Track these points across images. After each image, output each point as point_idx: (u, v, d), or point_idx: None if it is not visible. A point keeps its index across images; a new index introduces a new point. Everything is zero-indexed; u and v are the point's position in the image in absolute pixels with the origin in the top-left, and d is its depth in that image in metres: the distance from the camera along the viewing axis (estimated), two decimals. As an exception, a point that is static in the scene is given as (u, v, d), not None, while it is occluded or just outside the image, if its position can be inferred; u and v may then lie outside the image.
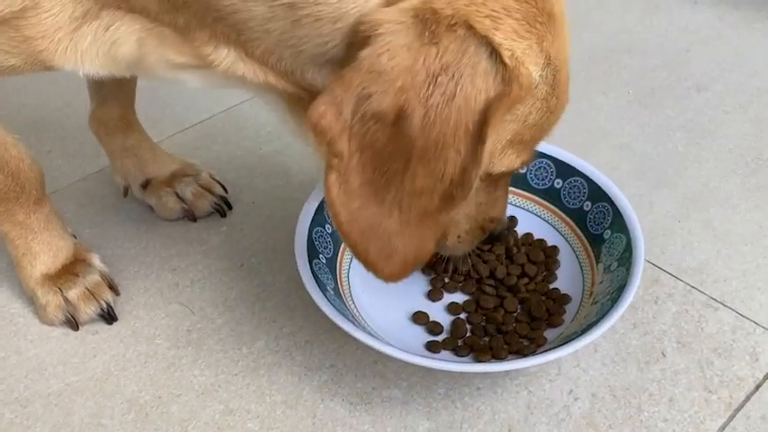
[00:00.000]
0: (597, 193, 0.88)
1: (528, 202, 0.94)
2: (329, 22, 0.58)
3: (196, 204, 1.00)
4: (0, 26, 0.63)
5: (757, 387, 0.78)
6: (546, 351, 0.73)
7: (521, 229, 0.92)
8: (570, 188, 0.91)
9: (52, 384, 0.81)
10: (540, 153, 0.93)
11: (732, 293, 0.88)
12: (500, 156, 0.65)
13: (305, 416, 0.77)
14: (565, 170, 0.92)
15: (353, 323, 0.75)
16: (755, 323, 0.84)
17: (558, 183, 0.92)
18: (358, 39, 0.57)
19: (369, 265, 0.65)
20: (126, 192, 1.03)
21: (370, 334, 0.76)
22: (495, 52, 0.56)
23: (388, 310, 0.84)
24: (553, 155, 0.92)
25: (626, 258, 0.79)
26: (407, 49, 0.55)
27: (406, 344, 0.80)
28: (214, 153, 1.13)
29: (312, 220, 0.86)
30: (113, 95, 0.94)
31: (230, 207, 1.02)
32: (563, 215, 0.91)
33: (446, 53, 0.55)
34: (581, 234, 0.89)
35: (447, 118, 0.56)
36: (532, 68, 0.60)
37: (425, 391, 0.79)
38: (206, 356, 0.84)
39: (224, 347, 0.85)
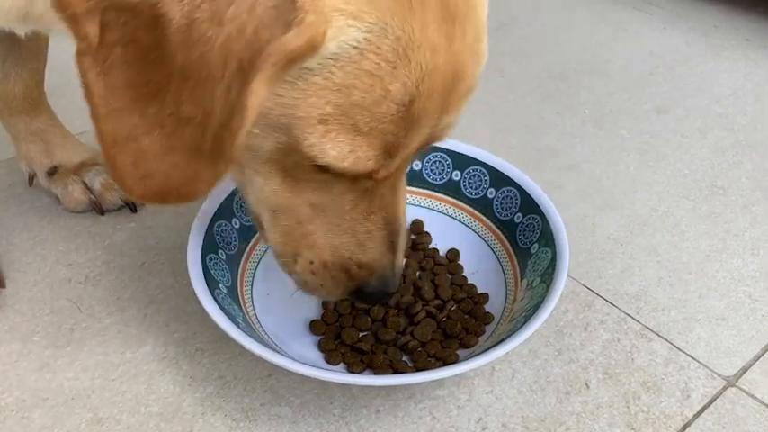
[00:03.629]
0: (529, 205, 0.81)
1: (459, 211, 0.87)
2: None
3: (104, 197, 0.93)
4: None
5: (685, 426, 0.70)
6: (439, 368, 0.65)
7: (448, 244, 0.85)
8: (503, 199, 0.84)
9: None
10: (475, 161, 0.86)
11: (669, 324, 0.81)
12: (321, 137, 0.52)
13: (180, 430, 0.69)
14: (499, 179, 0.85)
15: (239, 325, 0.68)
16: (691, 357, 0.77)
17: (492, 192, 0.85)
18: None
19: (116, 178, 0.55)
20: (31, 180, 0.95)
21: (263, 342, 0.68)
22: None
23: (286, 316, 0.76)
24: (488, 162, 0.86)
25: (549, 274, 0.72)
26: None
27: (303, 356, 0.72)
28: (138, 147, 1.06)
29: (217, 212, 0.79)
30: (17, 71, 0.87)
31: (142, 203, 0.95)
32: (493, 227, 0.84)
33: None
34: (510, 248, 0.82)
35: (211, 42, 0.47)
36: (342, 21, 0.48)
37: (318, 410, 0.71)
38: (84, 358, 0.76)
39: (106, 350, 0.77)
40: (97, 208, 0.93)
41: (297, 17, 0.46)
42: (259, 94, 0.48)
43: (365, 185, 0.59)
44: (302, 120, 0.52)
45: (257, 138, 0.54)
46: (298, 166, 0.56)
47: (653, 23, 1.41)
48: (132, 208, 0.94)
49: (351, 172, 0.55)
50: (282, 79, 0.50)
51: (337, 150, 0.53)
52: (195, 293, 0.70)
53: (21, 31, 0.65)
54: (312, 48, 0.48)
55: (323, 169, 0.56)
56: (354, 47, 0.49)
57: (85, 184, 0.93)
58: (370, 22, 0.49)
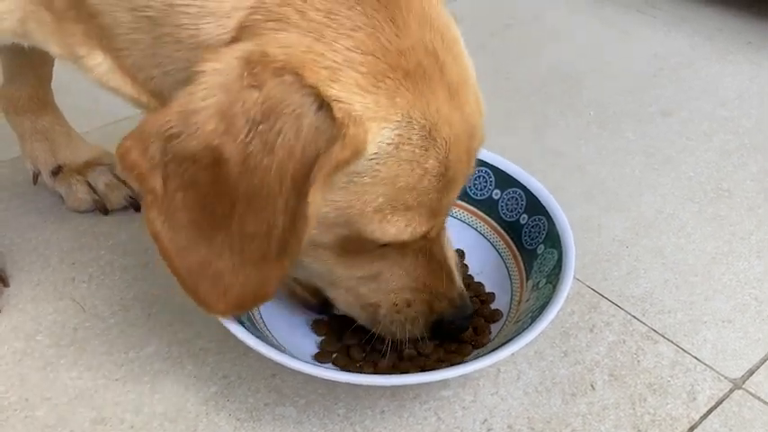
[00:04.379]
0: (535, 206, 0.81)
1: (464, 212, 0.87)
2: (187, 48, 0.55)
3: (109, 196, 0.92)
4: None
5: (692, 428, 0.69)
6: (446, 368, 0.64)
7: (453, 245, 0.85)
8: (508, 199, 0.84)
9: None
10: (480, 161, 0.86)
11: (675, 326, 0.80)
12: (380, 223, 0.58)
13: (183, 430, 0.69)
14: (504, 180, 0.85)
15: (245, 326, 0.67)
16: (697, 359, 0.76)
17: (497, 194, 0.85)
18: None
19: (199, 302, 0.61)
20: (36, 178, 0.95)
21: (268, 342, 0.67)
22: (325, 105, 0.51)
23: (289, 316, 0.76)
24: (493, 163, 0.86)
25: (555, 275, 0.72)
26: (225, 90, 0.51)
27: (306, 355, 0.72)
28: (142, 147, 1.06)
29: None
30: (24, 72, 0.87)
31: (147, 202, 0.95)
32: (499, 228, 0.84)
33: (268, 100, 0.51)
34: (515, 248, 0.81)
35: (268, 168, 0.52)
36: (375, 126, 0.54)
37: (323, 410, 0.71)
38: (88, 358, 0.75)
39: (109, 350, 0.76)
40: (101, 207, 0.93)
41: (339, 132, 0.52)
42: (316, 203, 0.53)
43: (420, 243, 0.65)
44: (360, 214, 0.58)
45: (317, 235, 0.60)
46: (359, 247, 0.62)
47: (657, 26, 1.41)
48: (136, 208, 0.93)
49: (410, 241, 0.61)
50: (335, 186, 0.56)
51: (396, 228, 0.59)
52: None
53: (25, 44, 0.66)
54: (357, 154, 0.54)
55: (384, 245, 0.62)
56: (390, 143, 0.55)
57: (89, 184, 0.92)
58: (397, 120, 0.55)
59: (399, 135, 0.55)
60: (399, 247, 0.64)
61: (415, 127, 0.56)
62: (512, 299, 0.78)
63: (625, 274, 0.87)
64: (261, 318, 0.75)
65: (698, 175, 1.03)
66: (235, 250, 0.56)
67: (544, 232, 0.79)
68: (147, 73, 0.58)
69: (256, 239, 0.55)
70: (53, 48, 0.62)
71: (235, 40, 0.53)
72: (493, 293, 0.79)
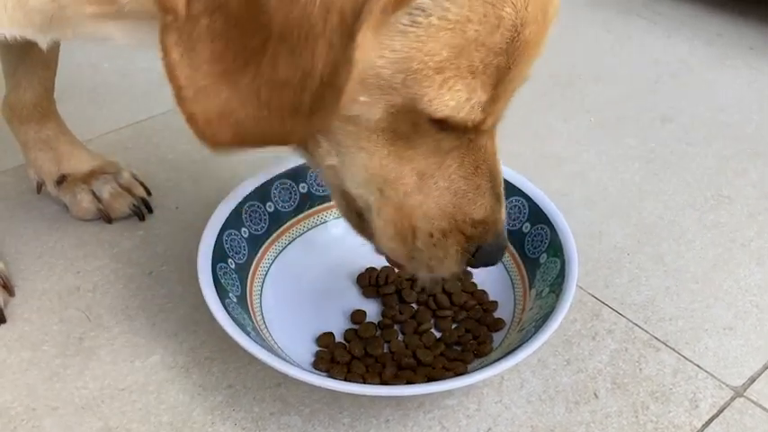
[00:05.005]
0: (537, 215, 0.82)
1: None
2: None
3: (113, 205, 0.93)
4: None
5: (694, 436, 0.70)
6: (452, 378, 0.65)
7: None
8: (511, 208, 0.84)
9: None
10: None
11: (677, 334, 0.81)
12: (439, 89, 0.50)
13: (190, 440, 0.69)
14: (506, 188, 0.84)
15: (250, 335, 0.68)
16: (699, 367, 0.77)
17: (499, 203, 0.85)
18: None
19: (206, 140, 0.51)
20: (40, 188, 0.96)
21: (273, 351, 0.68)
22: None
23: (295, 327, 0.76)
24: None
25: (558, 284, 0.72)
26: None
27: (307, 364, 0.72)
28: (145, 154, 1.06)
29: (226, 222, 0.79)
30: (28, 80, 0.88)
31: (151, 210, 0.95)
32: (501, 238, 0.85)
33: None
34: (518, 257, 0.82)
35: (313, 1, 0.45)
36: None
37: (328, 419, 0.71)
38: (94, 368, 0.76)
39: (115, 359, 0.77)
40: (105, 216, 0.93)
41: None
42: (366, 47, 0.46)
43: (470, 138, 0.58)
44: (419, 72, 0.50)
45: (365, 106, 0.52)
46: (410, 128, 0.54)
47: (657, 31, 1.41)
48: (140, 216, 0.94)
49: (467, 121, 0.53)
50: (393, 28, 0.48)
51: (456, 100, 0.51)
52: (204, 302, 0.71)
53: (43, 41, 0.63)
54: None
55: (437, 125, 0.54)
56: None
57: (94, 193, 0.93)
58: None
59: None
60: (447, 139, 0.57)
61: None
62: (515, 307, 0.78)
63: (626, 282, 0.87)
64: (265, 326, 0.76)
65: (698, 181, 1.04)
66: (262, 98, 0.48)
67: (547, 241, 0.79)
68: None
69: (288, 88, 0.48)
70: (88, 9, 0.56)
71: None
72: (496, 302, 0.80)
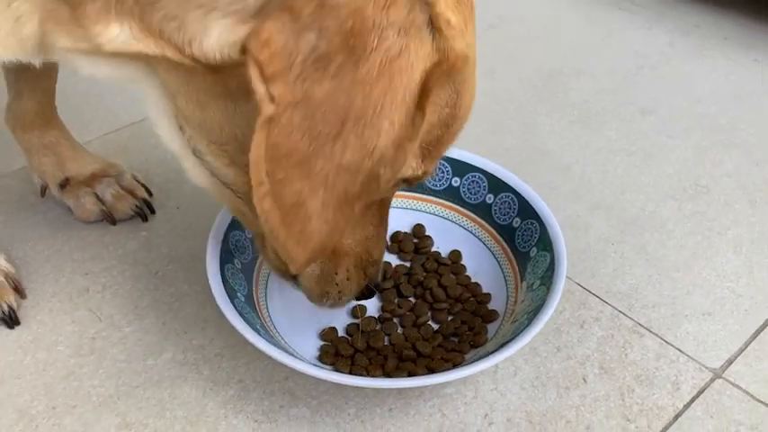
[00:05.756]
0: (526, 210, 0.86)
1: (459, 216, 0.91)
2: None
3: (116, 207, 0.96)
4: None
5: (676, 417, 0.75)
6: (452, 370, 0.69)
7: (450, 247, 0.90)
8: (501, 204, 0.89)
9: (-62, 391, 0.76)
10: (473, 167, 0.91)
11: (659, 320, 0.86)
12: (414, 156, 0.59)
13: (205, 433, 0.73)
14: (496, 185, 0.89)
15: (260, 333, 0.72)
16: (680, 351, 0.82)
17: (490, 198, 0.90)
18: None
19: (287, 252, 0.54)
20: (44, 191, 0.98)
21: (280, 347, 0.72)
22: (435, 18, 0.52)
23: (300, 322, 0.80)
24: (486, 169, 0.90)
25: (548, 277, 0.77)
26: None
27: (312, 358, 0.76)
28: (144, 155, 1.09)
29: (232, 222, 0.82)
30: (30, 89, 0.90)
31: (153, 211, 0.98)
32: (493, 231, 0.89)
33: (394, 5, 0.50)
34: (509, 251, 0.86)
35: (390, 78, 0.50)
36: (462, 42, 0.55)
37: (335, 410, 0.75)
38: (108, 366, 0.79)
39: (128, 357, 0.80)
40: (109, 218, 0.96)
41: (448, 44, 0.53)
42: (428, 118, 0.53)
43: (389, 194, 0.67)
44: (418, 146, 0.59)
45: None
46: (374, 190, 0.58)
47: (637, 23, 1.45)
48: (143, 217, 0.97)
49: (418, 178, 0.62)
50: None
51: (415, 162, 0.60)
52: (212, 300, 0.74)
53: (37, 63, 0.66)
54: (464, 63, 0.55)
55: (394, 185, 0.62)
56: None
57: (97, 195, 0.96)
58: (471, 44, 0.58)
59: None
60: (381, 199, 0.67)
61: (471, 56, 0.57)
62: (507, 299, 0.83)
63: (611, 271, 0.92)
64: (272, 322, 0.79)
65: (677, 172, 1.09)
66: (328, 185, 0.51)
67: (536, 235, 0.83)
68: (179, 20, 0.53)
69: (348, 172, 0.51)
70: (63, 41, 0.59)
71: None
72: (489, 294, 0.84)
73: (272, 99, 0.48)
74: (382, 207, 0.70)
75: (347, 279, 0.71)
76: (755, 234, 0.98)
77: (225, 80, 0.54)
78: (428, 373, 0.74)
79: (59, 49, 0.60)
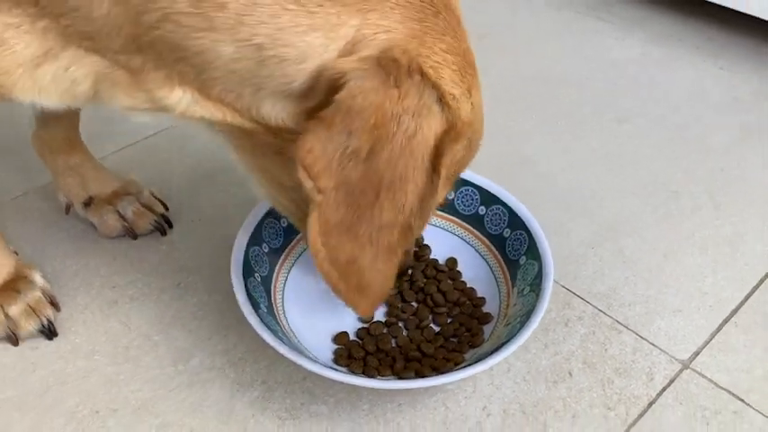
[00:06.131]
0: (516, 221, 0.95)
1: (455, 226, 1.01)
2: (294, 63, 0.63)
3: (137, 223, 1.03)
4: None
5: (650, 404, 0.86)
6: (461, 369, 0.79)
7: (446, 254, 0.99)
8: (492, 215, 0.98)
9: (-10, 399, 0.84)
10: (467, 182, 1.00)
11: (635, 317, 0.96)
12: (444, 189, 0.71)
13: (237, 429, 0.82)
14: (488, 198, 0.98)
15: (283, 341, 0.80)
16: (653, 345, 0.93)
17: (482, 210, 0.99)
18: (324, 83, 0.62)
19: (348, 301, 0.70)
20: (68, 209, 1.05)
21: (300, 352, 0.81)
22: (442, 96, 0.64)
23: (315, 328, 0.89)
24: (478, 184, 0.99)
25: (536, 284, 0.86)
26: (375, 91, 0.61)
27: (328, 361, 0.86)
28: (157, 169, 1.17)
29: (250, 240, 0.90)
30: (57, 118, 0.97)
31: (171, 225, 1.06)
32: (485, 240, 0.98)
33: (407, 96, 0.62)
34: (501, 259, 0.96)
35: (411, 153, 0.63)
36: (467, 109, 0.67)
37: (350, 407, 0.85)
38: (143, 373, 0.88)
39: (160, 364, 0.89)
40: (130, 233, 1.04)
41: (455, 115, 0.65)
42: (443, 174, 0.65)
43: None
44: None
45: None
46: None
47: (614, 33, 1.55)
48: (162, 231, 1.05)
49: (441, 205, 0.76)
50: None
51: (442, 196, 0.71)
52: (233, 308, 0.82)
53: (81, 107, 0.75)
54: (469, 125, 0.68)
55: None
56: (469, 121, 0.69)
57: (119, 212, 1.03)
58: (469, 106, 0.68)
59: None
60: None
61: (474, 110, 0.68)
62: (500, 303, 0.92)
63: (592, 273, 1.02)
64: (290, 329, 0.88)
65: (653, 181, 1.18)
66: (373, 242, 0.65)
67: (525, 245, 0.93)
68: (237, 93, 0.65)
69: (388, 228, 0.65)
70: (123, 101, 0.68)
71: (345, 51, 0.62)
72: (484, 298, 0.94)
73: (319, 191, 0.62)
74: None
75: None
76: (719, 237, 1.08)
77: (282, 141, 0.67)
78: (433, 372, 0.84)
79: (119, 107, 0.69)
